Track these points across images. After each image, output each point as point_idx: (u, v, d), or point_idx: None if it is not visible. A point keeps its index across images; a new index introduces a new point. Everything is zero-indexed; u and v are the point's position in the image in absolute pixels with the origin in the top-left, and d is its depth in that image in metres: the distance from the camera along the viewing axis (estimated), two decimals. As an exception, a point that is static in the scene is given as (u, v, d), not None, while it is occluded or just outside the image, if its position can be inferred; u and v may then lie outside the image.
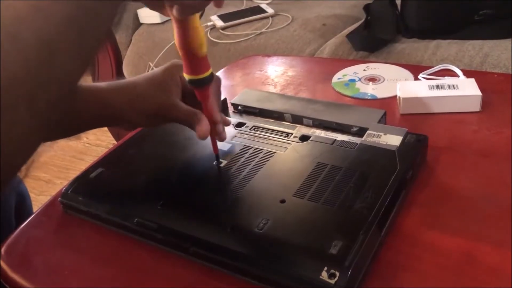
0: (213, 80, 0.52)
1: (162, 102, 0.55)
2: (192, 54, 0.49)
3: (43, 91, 0.32)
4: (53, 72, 0.32)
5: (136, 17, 1.76)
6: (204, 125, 0.53)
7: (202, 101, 0.53)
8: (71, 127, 0.58)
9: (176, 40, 0.48)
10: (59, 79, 0.33)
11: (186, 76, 0.51)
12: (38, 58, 0.31)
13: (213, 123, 0.54)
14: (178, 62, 0.57)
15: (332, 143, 0.58)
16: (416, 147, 0.56)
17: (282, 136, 0.61)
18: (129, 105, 0.55)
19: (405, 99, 0.69)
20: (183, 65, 0.50)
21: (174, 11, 0.44)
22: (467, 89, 0.69)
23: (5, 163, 0.30)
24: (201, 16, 0.48)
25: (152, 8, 0.47)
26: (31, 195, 0.77)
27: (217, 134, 0.56)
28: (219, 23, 1.55)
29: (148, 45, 1.67)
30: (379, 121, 0.61)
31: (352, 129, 0.60)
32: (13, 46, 0.30)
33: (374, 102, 0.75)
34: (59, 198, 0.56)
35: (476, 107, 0.68)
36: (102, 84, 0.56)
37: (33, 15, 0.31)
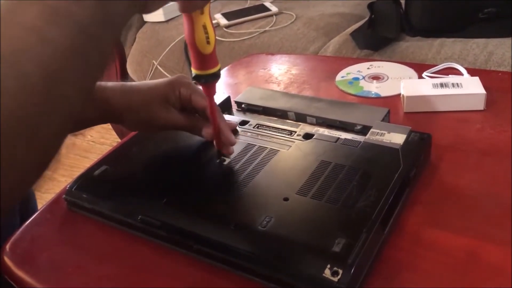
0: (220, 77, 0.52)
1: (160, 111, 0.56)
2: (198, 50, 0.49)
3: (45, 127, 0.30)
4: (56, 105, 0.31)
5: (140, 15, 1.76)
6: (209, 127, 0.56)
7: (208, 97, 0.53)
8: (78, 124, 0.58)
9: (185, 34, 0.49)
10: (62, 112, 0.31)
11: (194, 71, 0.51)
12: (42, 93, 0.29)
13: (217, 123, 0.55)
14: (182, 78, 0.58)
15: (336, 141, 0.58)
16: (419, 145, 0.56)
17: (286, 134, 0.61)
18: (128, 110, 0.56)
19: (409, 98, 0.69)
20: (191, 60, 0.50)
21: (178, 6, 0.45)
22: (471, 87, 0.69)
23: (5, 193, 0.29)
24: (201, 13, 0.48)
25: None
26: (36, 192, 0.77)
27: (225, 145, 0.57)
28: (223, 21, 1.55)
29: (152, 43, 1.67)
30: (383, 120, 0.61)
31: (355, 127, 0.60)
32: (15, 81, 0.28)
33: (378, 100, 0.75)
34: (63, 196, 0.57)
35: (480, 105, 0.68)
36: (107, 83, 0.57)
37: (38, 47, 0.29)
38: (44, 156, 0.32)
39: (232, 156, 0.57)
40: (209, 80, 0.51)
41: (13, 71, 0.28)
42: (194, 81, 0.53)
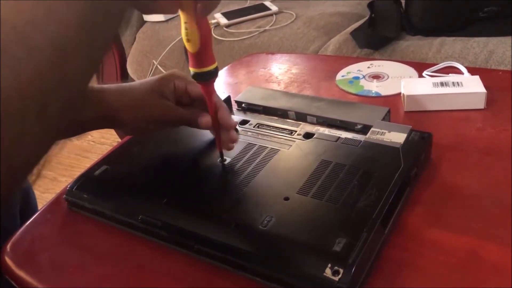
0: (217, 75, 0.52)
1: (157, 105, 0.56)
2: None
3: (54, 98, 0.31)
4: (64, 78, 0.31)
5: (140, 15, 1.76)
6: (206, 115, 0.55)
7: (206, 95, 0.53)
8: (75, 127, 0.58)
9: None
10: (70, 84, 0.32)
11: (191, 70, 0.51)
12: (50, 64, 0.30)
13: (218, 122, 0.55)
14: (176, 72, 0.58)
15: (336, 141, 0.58)
16: (420, 144, 0.56)
17: (286, 133, 0.61)
18: (127, 109, 0.56)
19: (409, 97, 0.69)
20: (189, 59, 0.50)
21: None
22: (471, 86, 0.69)
23: (12, 172, 0.29)
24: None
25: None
26: (36, 192, 0.77)
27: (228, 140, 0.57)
28: (223, 20, 1.55)
29: (152, 43, 1.68)
30: (383, 119, 0.61)
31: (356, 127, 0.60)
32: (25, 52, 0.29)
33: (378, 99, 0.75)
34: (64, 196, 0.57)
35: (480, 104, 0.68)
36: (104, 85, 0.57)
37: (47, 19, 0.30)
38: (52, 132, 0.32)
39: (233, 155, 0.57)
40: (206, 78, 0.51)
41: (25, 44, 0.29)
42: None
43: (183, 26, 0.47)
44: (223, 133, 0.56)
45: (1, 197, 0.29)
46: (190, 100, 0.57)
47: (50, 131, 0.32)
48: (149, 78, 0.58)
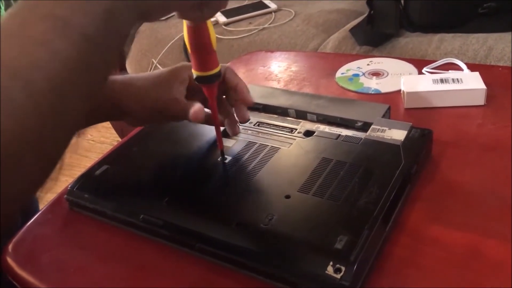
0: (220, 78, 0.52)
1: (161, 97, 0.55)
2: (199, 51, 0.49)
3: (52, 137, 0.31)
4: (63, 117, 0.31)
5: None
6: (197, 107, 0.54)
7: (209, 98, 0.53)
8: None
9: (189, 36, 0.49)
10: (68, 123, 0.32)
11: (194, 73, 0.51)
12: (50, 105, 0.30)
13: (221, 121, 0.55)
14: (187, 64, 0.57)
15: (337, 138, 0.58)
16: (420, 141, 0.56)
17: (287, 131, 0.61)
18: (130, 98, 0.56)
19: (409, 94, 0.69)
20: (192, 62, 0.50)
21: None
22: (471, 82, 0.69)
23: (5, 208, 0.30)
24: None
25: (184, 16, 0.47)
26: (37, 192, 0.77)
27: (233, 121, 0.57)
28: (222, 18, 1.55)
29: (151, 42, 1.67)
30: (383, 116, 0.61)
31: (356, 124, 0.60)
32: (27, 97, 0.29)
33: (378, 96, 0.75)
34: (65, 196, 0.57)
35: (480, 100, 0.68)
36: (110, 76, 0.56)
37: (49, 62, 0.30)
38: (50, 164, 0.33)
39: (233, 154, 0.57)
40: (209, 81, 0.51)
41: (26, 87, 0.29)
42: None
43: (185, 28, 0.47)
44: (237, 109, 0.56)
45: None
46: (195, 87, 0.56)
47: (45, 168, 0.32)
48: (160, 70, 0.57)
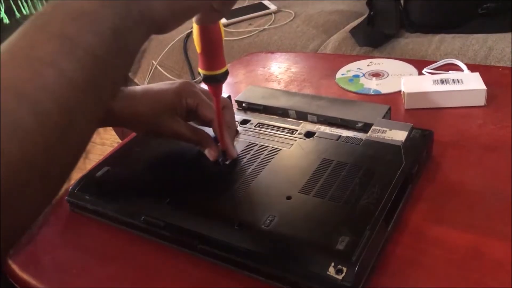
0: (227, 77, 0.52)
1: (167, 122, 0.55)
2: (211, 51, 0.49)
3: (58, 163, 0.31)
4: (69, 142, 0.31)
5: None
6: (214, 149, 0.56)
7: (214, 96, 0.53)
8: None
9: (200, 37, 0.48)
10: (74, 147, 0.32)
11: (202, 72, 0.51)
12: (57, 128, 0.30)
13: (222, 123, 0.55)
14: (189, 85, 0.56)
15: (337, 139, 0.58)
16: (421, 142, 0.56)
17: (287, 132, 0.61)
18: (135, 117, 0.56)
19: (410, 94, 0.69)
20: (200, 61, 0.50)
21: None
22: (471, 83, 0.69)
23: (11, 233, 0.30)
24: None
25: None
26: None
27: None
28: (222, 20, 1.55)
29: (152, 42, 1.67)
30: (384, 117, 0.61)
31: (357, 125, 0.60)
32: (34, 120, 0.28)
33: (379, 97, 0.75)
34: (66, 197, 0.57)
35: (481, 101, 0.68)
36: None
37: (57, 83, 0.29)
38: (56, 187, 0.32)
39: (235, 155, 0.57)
40: (216, 81, 0.51)
41: (34, 110, 0.28)
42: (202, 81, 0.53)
43: (196, 29, 0.47)
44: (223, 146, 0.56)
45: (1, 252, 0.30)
46: (200, 120, 0.57)
47: (52, 190, 0.32)
48: (162, 88, 0.56)
